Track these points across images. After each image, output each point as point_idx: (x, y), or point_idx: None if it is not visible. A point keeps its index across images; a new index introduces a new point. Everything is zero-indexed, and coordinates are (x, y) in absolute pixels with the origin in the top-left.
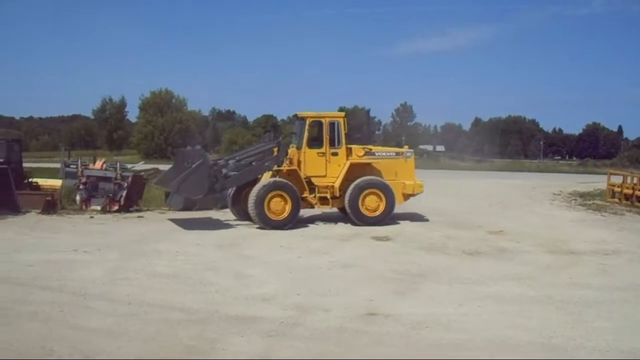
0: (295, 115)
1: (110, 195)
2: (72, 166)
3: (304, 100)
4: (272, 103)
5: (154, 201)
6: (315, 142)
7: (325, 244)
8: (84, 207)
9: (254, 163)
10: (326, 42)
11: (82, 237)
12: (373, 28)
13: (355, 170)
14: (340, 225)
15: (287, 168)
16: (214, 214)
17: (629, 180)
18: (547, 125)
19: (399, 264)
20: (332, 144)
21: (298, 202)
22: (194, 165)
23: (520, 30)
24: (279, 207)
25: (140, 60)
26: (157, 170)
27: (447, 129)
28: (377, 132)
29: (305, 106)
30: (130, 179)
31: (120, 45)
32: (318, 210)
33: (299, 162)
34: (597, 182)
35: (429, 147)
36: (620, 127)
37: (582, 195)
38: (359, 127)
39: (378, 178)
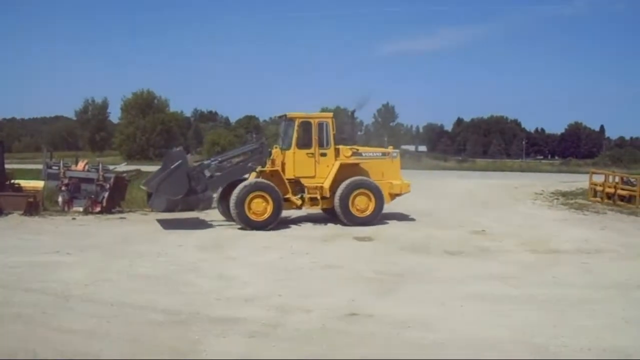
0: (284, 116)
1: (93, 196)
2: (54, 167)
3: (286, 100)
4: (254, 104)
5: (136, 202)
6: (304, 142)
7: (307, 245)
8: (66, 208)
9: (241, 164)
10: (309, 43)
11: (65, 238)
12: (357, 29)
13: (344, 171)
14: (322, 226)
15: (269, 169)
16: (197, 215)
17: (610, 180)
18: (529, 125)
19: (381, 264)
20: (320, 144)
21: (280, 203)
22: (172, 166)
23: (502, 31)
24: (260, 208)
25: (123, 61)
26: (139, 172)
27: (429, 129)
28: (359, 133)
29: (288, 107)
30: (112, 180)
31: (102, 45)
32: (302, 211)
33: (282, 163)
34: (579, 181)
35: (411, 148)
36: (602, 127)
37: (565, 194)
38: (342, 127)
39: (368, 178)
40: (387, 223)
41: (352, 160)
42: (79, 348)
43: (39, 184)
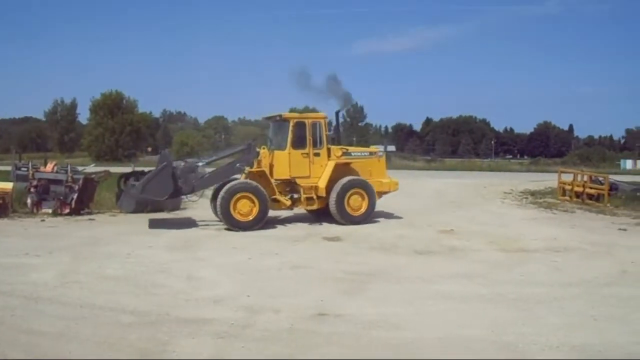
0: (279, 116)
1: (62, 198)
2: (23, 169)
3: (255, 101)
4: (223, 104)
5: (105, 204)
6: (299, 143)
7: (277, 245)
8: (35, 210)
9: (228, 164)
10: (280, 43)
11: (34, 240)
12: (326, 30)
13: (338, 171)
14: (292, 226)
15: (256, 169)
16: (166, 216)
17: (579, 178)
18: (498, 125)
19: (350, 264)
20: (314, 144)
21: (266, 204)
22: (157, 168)
23: (471, 31)
24: (247, 208)
25: (92, 61)
26: (108, 173)
27: (398, 129)
28: (328, 133)
29: (256, 107)
30: (81, 181)
31: (71, 46)
32: (282, 211)
33: (271, 164)
34: (548, 180)
35: (380, 148)
36: (571, 126)
37: (533, 193)
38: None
39: (361, 178)
40: (356, 224)
41: (345, 159)
42: (48, 350)
43: (8, 185)
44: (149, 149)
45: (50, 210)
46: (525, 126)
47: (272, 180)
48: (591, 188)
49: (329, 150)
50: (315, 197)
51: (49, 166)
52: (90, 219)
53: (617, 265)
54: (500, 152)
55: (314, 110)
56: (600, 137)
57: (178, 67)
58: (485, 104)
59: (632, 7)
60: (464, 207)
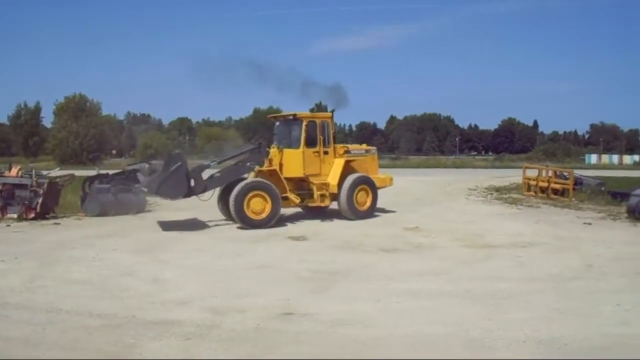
0: (294, 115)
1: (27, 202)
2: None
3: (218, 102)
4: (187, 106)
5: (70, 208)
6: (310, 141)
7: (242, 246)
8: (0, 215)
9: (238, 164)
10: (240, 43)
11: None
12: (290, 29)
13: (346, 168)
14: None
15: (267, 168)
16: (131, 219)
17: (544, 174)
18: (462, 122)
19: (316, 263)
20: (324, 143)
21: (278, 202)
22: (172, 168)
23: (434, 29)
24: (259, 206)
25: (55, 65)
26: (72, 177)
27: (362, 127)
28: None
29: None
30: (45, 185)
31: (34, 49)
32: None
33: (280, 163)
34: (512, 176)
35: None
36: (535, 122)
37: (498, 189)
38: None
39: (366, 174)
40: (322, 221)
41: (350, 157)
42: (15, 355)
43: None
44: (114, 152)
45: (15, 215)
46: (489, 123)
47: (283, 179)
48: (556, 183)
49: (334, 148)
50: (327, 194)
51: (14, 171)
52: (55, 223)
53: (583, 259)
54: (465, 149)
55: (278, 110)
56: (564, 132)
57: (141, 68)
58: (450, 101)
59: (595, 3)
60: (429, 204)
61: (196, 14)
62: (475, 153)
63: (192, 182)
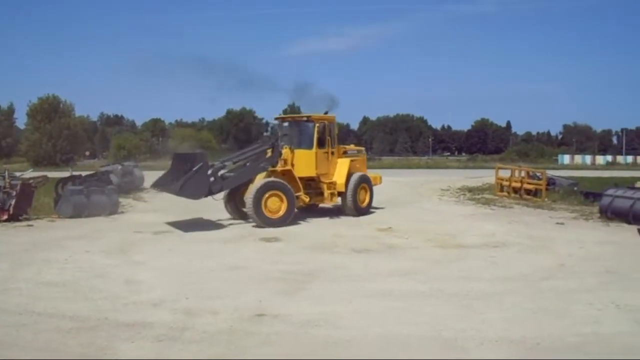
0: (309, 117)
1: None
2: None
3: (191, 104)
4: (160, 107)
5: (43, 209)
6: (321, 142)
7: (215, 247)
8: None
9: (247, 164)
10: (218, 43)
11: None
12: (267, 29)
13: (350, 168)
14: (230, 227)
15: (281, 168)
16: (104, 221)
17: (517, 174)
18: (435, 122)
19: (288, 264)
20: (331, 144)
21: (293, 201)
22: (195, 168)
23: (408, 30)
24: (276, 206)
25: (28, 66)
26: (46, 178)
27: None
28: (265, 133)
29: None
30: (19, 187)
31: (6, 49)
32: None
33: (292, 163)
34: (485, 176)
35: None
36: (508, 123)
37: (471, 190)
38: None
39: (365, 173)
40: (294, 223)
41: (351, 157)
42: None
43: None
44: (87, 153)
45: None
46: (462, 123)
47: (298, 178)
48: (529, 183)
49: (337, 149)
50: (335, 192)
51: None
52: (28, 225)
53: (555, 259)
54: (438, 150)
55: (251, 112)
56: (537, 133)
57: (115, 69)
58: (423, 102)
59: (568, 5)
60: (402, 205)
61: (172, 14)
62: (449, 154)
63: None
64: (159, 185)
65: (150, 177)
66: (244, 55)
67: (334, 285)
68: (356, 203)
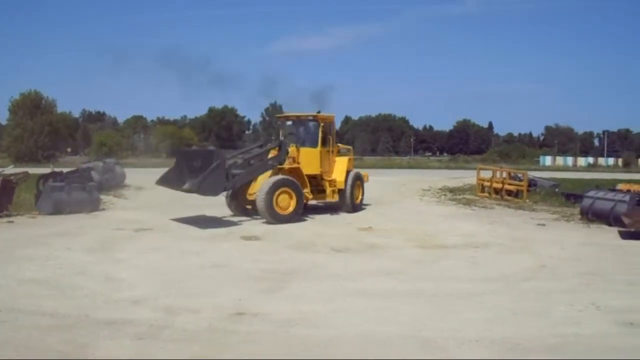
0: (314, 117)
1: None
2: None
3: (172, 102)
4: (142, 104)
5: (24, 206)
6: (325, 141)
7: (195, 245)
8: None
9: (252, 162)
10: (197, 41)
11: None
12: (249, 28)
13: (348, 166)
14: (210, 225)
15: (290, 166)
16: (85, 217)
17: (498, 175)
18: (417, 123)
19: (268, 263)
20: (333, 143)
21: (302, 198)
22: (213, 165)
23: (390, 30)
24: (285, 202)
25: (10, 61)
26: (27, 174)
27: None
28: (246, 132)
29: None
30: None
31: None
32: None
33: (298, 161)
34: (467, 177)
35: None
36: (490, 123)
37: (452, 190)
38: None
39: (359, 171)
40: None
41: (348, 155)
42: None
43: None
44: (69, 150)
45: None
46: (444, 124)
47: (305, 176)
48: (510, 184)
49: (335, 147)
50: (336, 189)
51: None
52: (9, 221)
53: (536, 260)
54: (420, 150)
55: (233, 110)
56: (519, 134)
57: (97, 66)
58: (405, 102)
59: (550, 6)
60: (383, 204)
61: (148, 14)
62: (430, 154)
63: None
64: (166, 182)
65: (132, 174)
66: (223, 54)
67: (314, 285)
68: (353, 200)
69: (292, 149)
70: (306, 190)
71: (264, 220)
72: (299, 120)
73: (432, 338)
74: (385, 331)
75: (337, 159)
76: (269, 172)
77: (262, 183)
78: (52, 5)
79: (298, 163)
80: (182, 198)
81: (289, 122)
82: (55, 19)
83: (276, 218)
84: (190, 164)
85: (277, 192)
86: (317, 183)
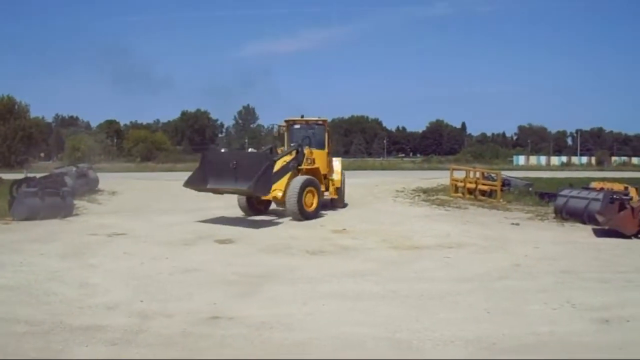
0: (324, 121)
1: None
2: None
3: (147, 105)
4: (114, 108)
5: None
6: (328, 144)
7: (168, 250)
8: None
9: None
10: (171, 46)
11: None
12: (222, 31)
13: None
14: (184, 229)
15: (310, 167)
16: (59, 223)
17: (471, 175)
18: (390, 124)
19: (242, 266)
20: (329, 145)
21: (321, 195)
22: (264, 166)
23: (362, 32)
24: (310, 200)
25: None
26: (0, 180)
27: None
28: (220, 135)
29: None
30: None
31: None
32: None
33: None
34: (440, 177)
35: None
36: (463, 124)
37: (426, 191)
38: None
39: (343, 171)
40: (248, 225)
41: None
42: None
43: None
44: (42, 155)
45: None
46: (417, 125)
47: (322, 176)
48: (483, 184)
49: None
50: (335, 187)
51: None
52: None
53: (510, 259)
54: (393, 151)
55: (206, 113)
56: (493, 134)
57: (70, 71)
58: (377, 103)
59: (523, 6)
60: (356, 206)
61: (123, 17)
62: (403, 155)
63: None
64: (192, 184)
65: (105, 178)
66: (198, 57)
67: (289, 287)
68: (343, 197)
69: (308, 151)
70: (323, 189)
71: (290, 217)
72: (308, 125)
73: (407, 339)
74: (360, 333)
75: (334, 159)
76: (290, 174)
77: (291, 183)
78: (20, 9)
79: (315, 164)
80: (156, 202)
81: (297, 126)
82: (26, 22)
83: (304, 215)
84: (222, 165)
85: (305, 191)
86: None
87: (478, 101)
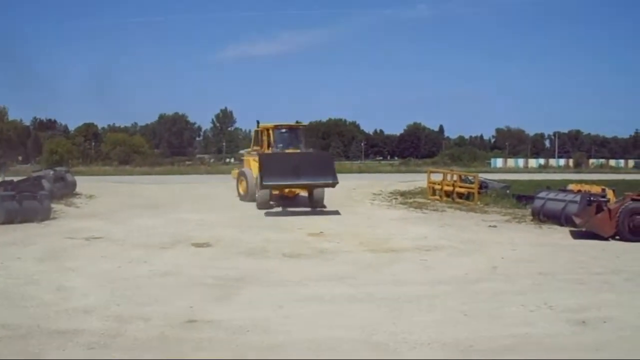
0: (304, 125)
1: None
2: None
3: (125, 108)
4: (92, 111)
5: None
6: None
7: (146, 253)
8: None
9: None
10: (149, 49)
11: None
12: (199, 34)
13: None
14: (160, 233)
15: None
16: (36, 227)
17: (449, 178)
18: (368, 127)
19: (219, 269)
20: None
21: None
22: (331, 165)
23: (340, 35)
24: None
25: None
26: None
27: None
28: (197, 139)
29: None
30: None
31: None
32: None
33: None
34: (418, 180)
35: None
36: (441, 127)
37: (403, 194)
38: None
39: None
40: (225, 228)
41: None
42: None
43: None
44: (20, 158)
45: None
46: (395, 128)
47: None
48: (461, 187)
49: None
50: None
51: None
52: None
53: (488, 261)
54: (371, 154)
55: (184, 116)
56: (470, 137)
57: (47, 73)
58: (355, 106)
59: (504, 9)
60: (334, 209)
61: (101, 19)
62: (381, 158)
63: None
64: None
65: (82, 182)
66: (177, 61)
67: (265, 291)
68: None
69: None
70: None
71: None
72: (292, 129)
73: (383, 342)
74: (337, 336)
75: None
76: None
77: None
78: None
79: None
80: (134, 206)
81: (283, 130)
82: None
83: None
84: (286, 165)
85: None
86: None
87: (456, 104)
